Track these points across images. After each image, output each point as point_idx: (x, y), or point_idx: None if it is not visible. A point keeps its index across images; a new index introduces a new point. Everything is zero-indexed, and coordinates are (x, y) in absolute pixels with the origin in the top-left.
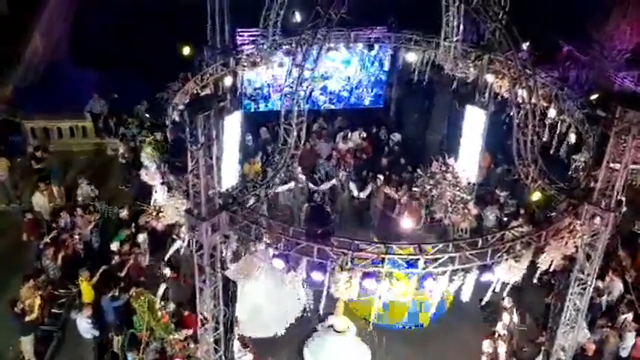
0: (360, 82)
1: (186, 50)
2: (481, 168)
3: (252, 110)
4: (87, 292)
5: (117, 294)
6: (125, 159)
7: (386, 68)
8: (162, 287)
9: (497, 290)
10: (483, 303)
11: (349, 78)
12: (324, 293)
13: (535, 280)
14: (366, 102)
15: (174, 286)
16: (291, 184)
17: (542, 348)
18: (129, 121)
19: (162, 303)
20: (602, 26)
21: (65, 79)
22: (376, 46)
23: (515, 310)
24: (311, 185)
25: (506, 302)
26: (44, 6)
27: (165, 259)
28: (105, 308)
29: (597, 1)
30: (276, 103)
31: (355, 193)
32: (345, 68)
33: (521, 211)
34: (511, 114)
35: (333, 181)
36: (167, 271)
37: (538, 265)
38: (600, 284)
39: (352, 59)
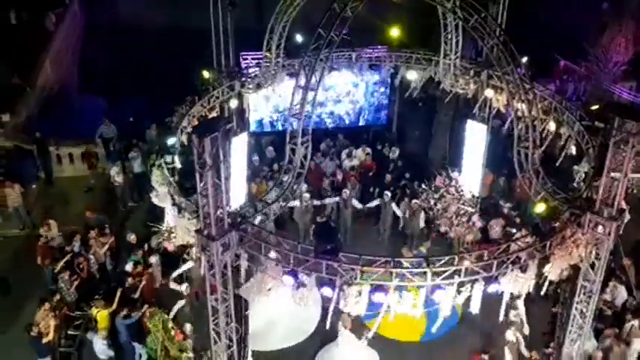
0: (365, 105)
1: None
2: (484, 185)
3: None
4: (102, 320)
5: (128, 313)
6: (117, 182)
7: (388, 90)
8: (179, 304)
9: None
10: (502, 319)
11: (357, 101)
12: (331, 308)
13: (542, 293)
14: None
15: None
16: (296, 202)
17: (551, 357)
18: (139, 146)
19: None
20: (598, 39)
21: (75, 106)
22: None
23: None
24: (316, 203)
25: (512, 316)
26: (54, 36)
27: (173, 275)
28: (118, 328)
29: (593, 15)
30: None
31: (359, 206)
32: (356, 90)
33: (518, 220)
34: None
35: (336, 199)
36: (183, 288)
37: (546, 276)
38: (605, 295)
39: (360, 83)
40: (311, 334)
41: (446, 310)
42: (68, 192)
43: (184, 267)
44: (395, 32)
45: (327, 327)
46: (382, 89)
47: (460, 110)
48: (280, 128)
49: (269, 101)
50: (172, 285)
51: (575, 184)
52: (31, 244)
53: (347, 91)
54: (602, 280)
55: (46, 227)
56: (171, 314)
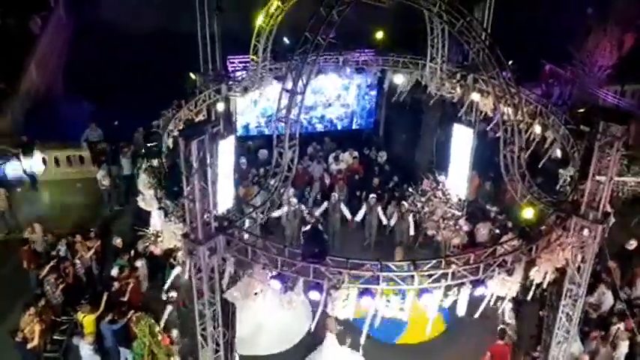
0: (357, 109)
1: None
2: (471, 188)
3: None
4: (88, 325)
5: (115, 318)
6: (104, 186)
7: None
8: (168, 310)
9: (493, 304)
10: (477, 315)
11: (349, 105)
12: (319, 311)
13: (529, 297)
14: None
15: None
16: (284, 209)
17: None
18: (128, 147)
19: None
20: (582, 44)
21: (61, 110)
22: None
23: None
24: (303, 208)
25: (507, 316)
26: (39, 39)
27: (166, 286)
28: (103, 333)
29: (578, 19)
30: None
31: (349, 216)
32: (347, 94)
33: (509, 224)
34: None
35: (325, 204)
36: (173, 294)
37: (532, 280)
38: (592, 299)
39: (350, 87)
40: (300, 339)
41: (432, 313)
42: (54, 196)
43: (174, 274)
44: (381, 35)
45: (312, 329)
46: (373, 92)
47: (447, 114)
48: (267, 132)
49: (257, 105)
50: (165, 297)
51: (559, 187)
52: (16, 248)
53: (337, 94)
54: (588, 283)
55: (30, 229)
56: (162, 323)
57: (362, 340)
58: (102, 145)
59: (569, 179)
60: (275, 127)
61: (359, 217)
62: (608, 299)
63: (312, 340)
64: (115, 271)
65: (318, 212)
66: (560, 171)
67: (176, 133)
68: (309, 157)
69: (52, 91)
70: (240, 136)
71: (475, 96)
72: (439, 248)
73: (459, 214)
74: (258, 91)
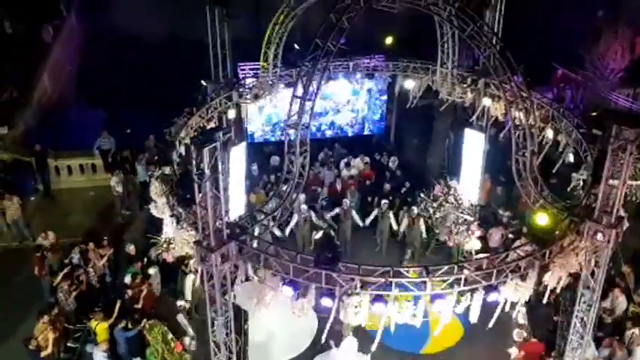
0: (369, 114)
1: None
2: (482, 192)
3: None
4: (101, 332)
5: (129, 325)
6: (117, 193)
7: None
8: (180, 318)
9: (507, 310)
10: (491, 325)
11: (358, 110)
12: (331, 318)
13: (544, 301)
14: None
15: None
16: (296, 218)
17: None
18: (139, 157)
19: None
20: (594, 47)
21: (73, 118)
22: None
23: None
24: (313, 215)
25: (520, 318)
26: (52, 49)
27: (187, 296)
28: (117, 339)
29: (589, 22)
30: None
31: (360, 223)
32: (356, 100)
33: (524, 230)
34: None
35: (337, 210)
36: (182, 303)
37: (546, 284)
38: (605, 304)
39: (361, 92)
40: (310, 343)
41: (446, 319)
42: (67, 204)
43: (188, 283)
44: (391, 40)
45: (323, 340)
46: (384, 97)
47: (458, 118)
48: (272, 140)
49: (262, 111)
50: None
51: (570, 189)
52: (29, 256)
53: (347, 99)
54: (602, 288)
55: (44, 235)
56: (189, 331)
57: (373, 347)
58: (125, 154)
59: (581, 183)
60: (286, 134)
61: (369, 220)
62: (622, 303)
63: (318, 344)
64: (127, 279)
65: (329, 216)
66: (573, 174)
67: (188, 141)
68: (320, 163)
69: (64, 99)
70: (254, 142)
71: (486, 101)
72: (451, 254)
73: (471, 219)
74: (269, 98)
